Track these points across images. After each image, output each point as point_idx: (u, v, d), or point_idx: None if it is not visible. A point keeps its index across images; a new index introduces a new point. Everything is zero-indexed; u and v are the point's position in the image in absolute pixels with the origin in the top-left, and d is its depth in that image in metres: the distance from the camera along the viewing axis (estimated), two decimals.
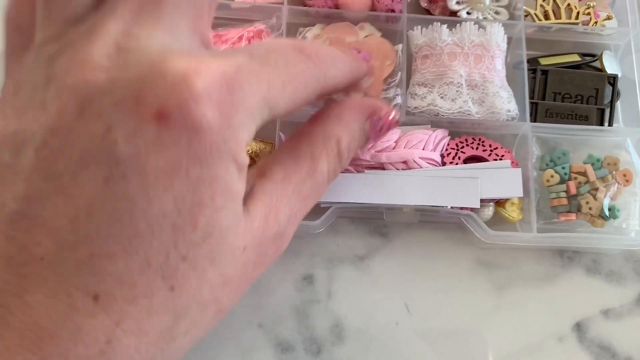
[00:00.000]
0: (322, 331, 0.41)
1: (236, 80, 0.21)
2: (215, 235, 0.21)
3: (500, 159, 0.43)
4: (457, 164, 0.43)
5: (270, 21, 0.45)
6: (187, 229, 0.20)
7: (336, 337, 0.41)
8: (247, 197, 0.23)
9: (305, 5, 0.46)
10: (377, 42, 0.45)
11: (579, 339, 0.42)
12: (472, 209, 0.42)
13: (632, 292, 0.43)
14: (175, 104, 0.19)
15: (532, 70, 0.46)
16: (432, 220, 0.43)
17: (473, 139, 0.44)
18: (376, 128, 0.30)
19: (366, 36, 0.46)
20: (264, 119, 0.23)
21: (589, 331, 0.42)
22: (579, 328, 0.42)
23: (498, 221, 0.43)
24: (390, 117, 0.30)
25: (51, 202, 0.19)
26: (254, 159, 0.42)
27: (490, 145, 0.44)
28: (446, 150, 0.43)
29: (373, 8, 0.47)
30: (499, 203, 0.43)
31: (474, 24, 0.44)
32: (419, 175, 0.42)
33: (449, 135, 0.44)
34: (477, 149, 0.44)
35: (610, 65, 0.47)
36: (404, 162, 0.42)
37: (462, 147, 0.43)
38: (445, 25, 0.44)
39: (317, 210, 0.42)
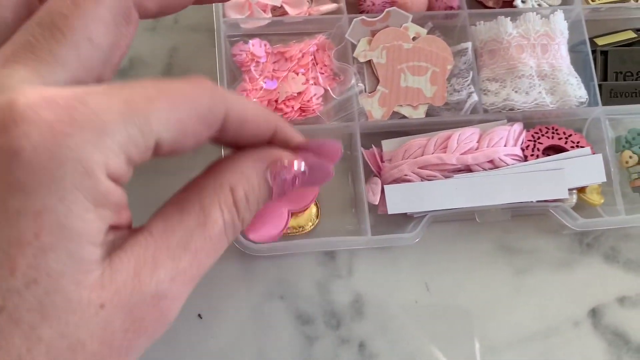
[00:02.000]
0: (342, 306, 0.41)
1: (79, 98, 0.18)
2: (42, 282, 0.18)
3: (577, 145, 0.44)
4: (537, 155, 0.43)
5: (332, 31, 0.44)
6: (5, 271, 0.17)
7: (356, 312, 0.41)
8: (114, 249, 0.20)
9: (362, 12, 0.45)
10: (436, 47, 0.44)
11: (594, 324, 0.43)
12: (558, 199, 0.42)
13: None
14: None
15: (592, 52, 0.46)
16: (520, 214, 0.43)
17: (547, 128, 0.44)
18: (279, 178, 0.26)
19: (414, 38, 0.45)
20: (138, 140, 0.19)
21: (604, 317, 0.43)
22: (595, 314, 0.43)
23: (579, 206, 0.44)
24: (295, 168, 0.26)
25: None
26: None
27: (564, 133, 0.44)
28: (524, 143, 0.43)
29: (430, 7, 0.46)
30: (580, 189, 0.44)
31: (536, 13, 0.44)
32: (506, 173, 0.42)
33: (524, 127, 0.44)
34: (552, 137, 0.44)
35: None
36: (490, 162, 0.42)
37: (539, 138, 0.44)
38: (509, 18, 0.44)
39: (409, 220, 0.42)
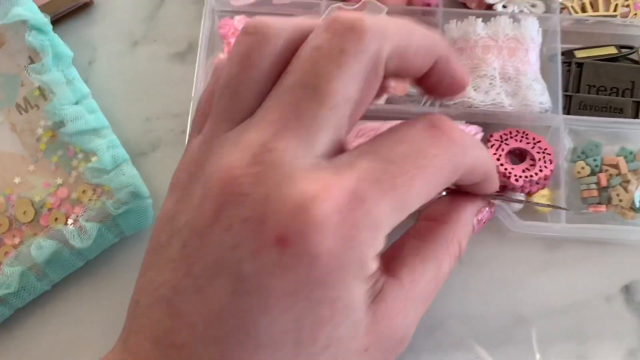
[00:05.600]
0: None
1: (358, 196, 0.21)
2: (334, 344, 0.22)
3: (544, 152, 0.44)
4: (500, 155, 0.44)
5: (313, 16, 0.47)
6: (308, 343, 0.21)
7: None
8: (377, 298, 0.24)
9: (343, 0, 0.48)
10: None
11: (626, 300, 0.42)
12: (502, 201, 0.43)
13: None
14: (294, 231, 0.20)
15: (567, 63, 0.47)
16: None
17: (517, 131, 0.44)
18: (481, 222, 0.31)
19: None
20: (394, 224, 0.23)
21: (637, 294, 0.43)
22: (628, 290, 0.43)
23: (528, 211, 0.44)
24: (493, 210, 0.32)
25: (191, 299, 0.21)
26: None
27: (534, 139, 0.44)
28: (490, 142, 0.44)
29: (409, 2, 0.48)
30: (530, 194, 0.44)
31: (509, 17, 0.45)
32: None
33: (482, 131, 0.45)
34: (521, 141, 0.44)
35: None
36: None
37: (506, 139, 0.44)
38: (481, 19, 0.45)
39: None
